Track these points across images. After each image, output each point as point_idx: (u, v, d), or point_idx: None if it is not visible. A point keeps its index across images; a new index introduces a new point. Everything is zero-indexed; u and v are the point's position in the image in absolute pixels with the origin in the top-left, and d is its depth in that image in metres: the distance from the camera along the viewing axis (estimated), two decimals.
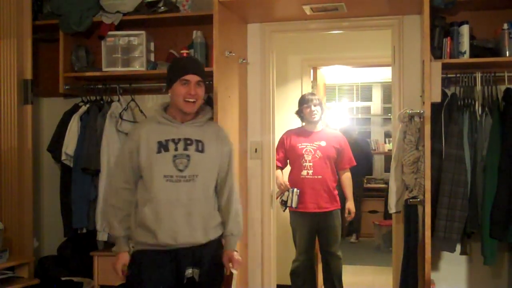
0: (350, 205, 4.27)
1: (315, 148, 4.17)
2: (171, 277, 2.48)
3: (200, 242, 2.51)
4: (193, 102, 2.54)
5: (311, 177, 4.15)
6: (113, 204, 2.55)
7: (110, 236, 2.94)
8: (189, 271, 2.48)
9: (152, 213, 2.45)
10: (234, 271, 2.60)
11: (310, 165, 4.16)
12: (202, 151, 2.54)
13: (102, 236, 3.59)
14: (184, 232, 2.46)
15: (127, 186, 2.54)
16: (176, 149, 2.50)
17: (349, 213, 4.34)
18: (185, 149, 2.51)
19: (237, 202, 2.68)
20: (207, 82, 3.60)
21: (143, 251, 2.50)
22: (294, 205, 4.15)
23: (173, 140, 2.51)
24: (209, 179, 2.58)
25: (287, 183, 4.22)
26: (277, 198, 4.15)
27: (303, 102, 4.24)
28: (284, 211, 4.25)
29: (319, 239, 4.30)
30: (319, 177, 4.14)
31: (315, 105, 4.18)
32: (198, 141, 2.55)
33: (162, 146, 2.49)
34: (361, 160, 5.94)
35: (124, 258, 2.54)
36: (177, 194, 2.47)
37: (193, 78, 2.54)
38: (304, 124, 4.33)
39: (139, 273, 2.48)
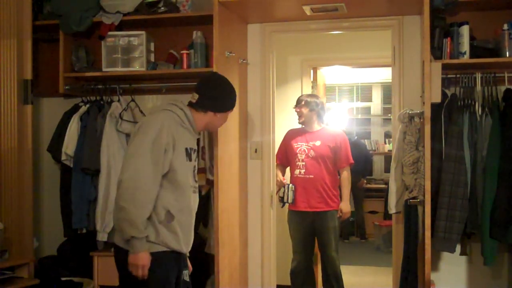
0: (343, 205, 4.21)
1: (309, 147, 4.18)
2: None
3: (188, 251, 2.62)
4: None
5: (302, 176, 4.16)
6: (139, 203, 2.28)
7: (121, 237, 2.36)
8: (186, 273, 2.57)
9: (182, 221, 2.46)
10: None
11: (302, 165, 4.17)
12: (197, 160, 2.65)
13: (102, 236, 3.59)
14: (190, 242, 2.57)
15: (157, 183, 2.35)
16: (195, 160, 2.57)
17: (342, 213, 4.28)
18: (196, 159, 2.60)
19: None
20: None
21: (166, 252, 2.43)
22: (289, 200, 4.16)
23: (192, 149, 2.53)
24: None
25: (283, 179, 4.23)
26: (276, 194, 4.16)
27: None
28: (282, 207, 4.25)
29: (317, 240, 4.31)
30: (311, 176, 4.14)
31: (299, 108, 4.20)
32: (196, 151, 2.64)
33: (188, 155, 2.48)
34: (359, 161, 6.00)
35: (148, 257, 2.35)
36: (194, 204, 2.56)
37: None
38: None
39: (167, 275, 2.43)
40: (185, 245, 2.50)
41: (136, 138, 2.38)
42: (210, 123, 2.62)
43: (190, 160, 2.50)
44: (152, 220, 2.37)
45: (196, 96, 2.55)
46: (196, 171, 2.60)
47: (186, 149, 2.47)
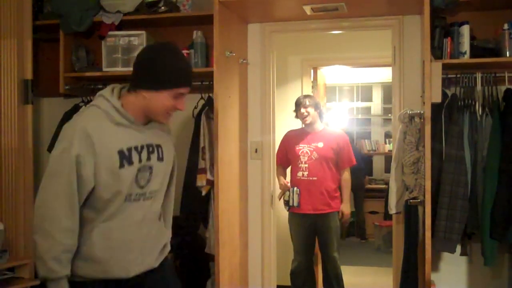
0: (344, 207, 4.19)
1: (311, 149, 4.15)
2: None
3: (152, 266, 2.09)
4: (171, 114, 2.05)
5: (306, 178, 4.12)
6: (47, 234, 1.83)
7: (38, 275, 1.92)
8: None
9: (102, 241, 1.93)
10: None
11: (305, 167, 4.13)
12: (162, 159, 2.08)
13: None
14: (136, 261, 2.01)
15: (71, 206, 1.86)
16: (140, 161, 1.98)
17: (343, 215, 4.25)
18: (148, 158, 2.01)
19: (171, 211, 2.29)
20: (207, 83, 3.63)
21: (84, 283, 1.95)
22: (295, 203, 4.12)
23: (136, 148, 1.97)
24: (163, 191, 2.16)
25: (286, 182, 4.21)
26: (279, 198, 4.14)
27: (295, 105, 4.24)
28: (288, 210, 4.24)
29: (318, 240, 4.30)
30: (314, 178, 4.10)
31: (305, 108, 4.15)
32: (158, 147, 2.07)
33: (125, 158, 1.93)
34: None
35: None
36: (132, 216, 1.99)
37: (187, 91, 2.00)
38: (303, 125, 4.32)
39: None
40: (122, 268, 1.97)
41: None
42: (146, 108, 1.97)
43: (131, 163, 1.94)
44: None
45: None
46: (147, 173, 2.01)
47: (121, 151, 1.91)
